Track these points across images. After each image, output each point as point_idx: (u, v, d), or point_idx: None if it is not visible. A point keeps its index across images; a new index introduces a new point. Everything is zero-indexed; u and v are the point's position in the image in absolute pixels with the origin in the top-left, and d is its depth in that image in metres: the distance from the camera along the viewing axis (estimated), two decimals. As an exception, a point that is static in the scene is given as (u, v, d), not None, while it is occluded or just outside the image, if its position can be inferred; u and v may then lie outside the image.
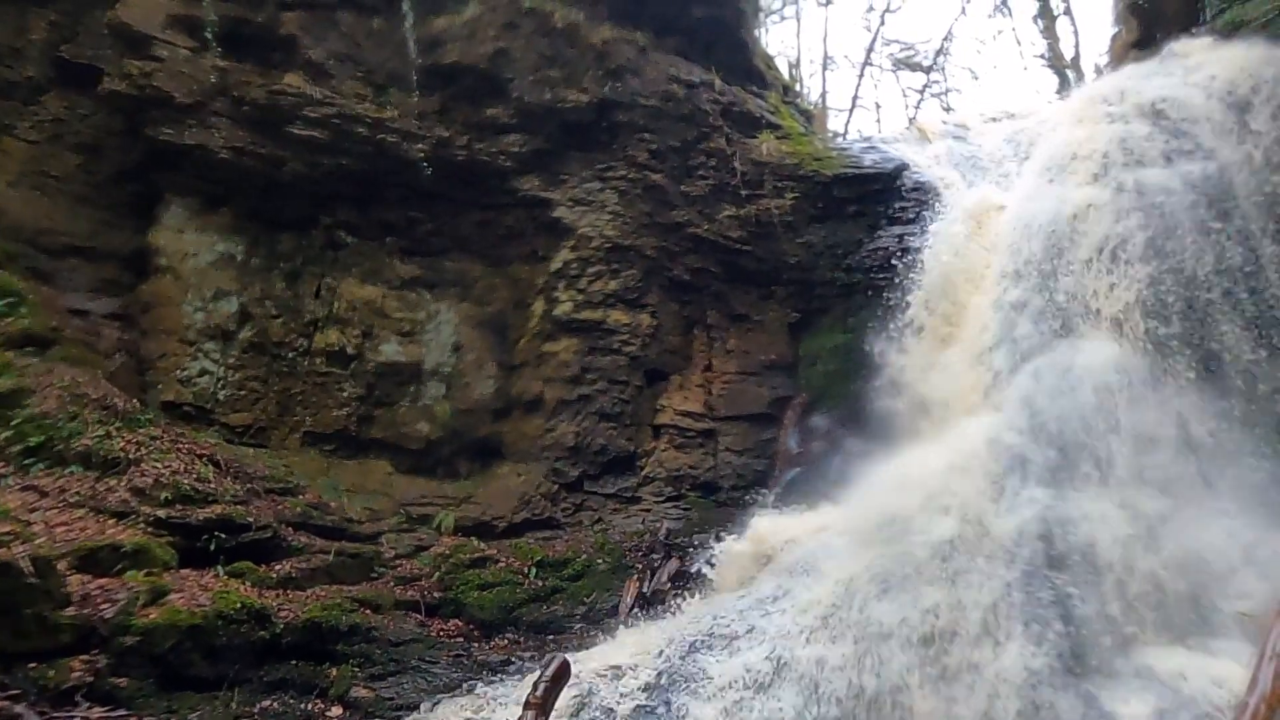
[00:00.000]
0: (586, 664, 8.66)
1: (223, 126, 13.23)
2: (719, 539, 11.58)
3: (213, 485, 10.98)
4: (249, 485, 11.70)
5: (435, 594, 11.80)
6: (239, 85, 13.18)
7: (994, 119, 17.88)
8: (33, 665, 7.72)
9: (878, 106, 42.83)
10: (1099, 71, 19.84)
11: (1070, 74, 27.93)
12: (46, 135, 13.00)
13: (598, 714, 7.97)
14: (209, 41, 13.00)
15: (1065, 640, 7.45)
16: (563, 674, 7.46)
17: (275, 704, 8.88)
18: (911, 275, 12.95)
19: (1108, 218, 10.92)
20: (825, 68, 32.34)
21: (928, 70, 33.15)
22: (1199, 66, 12.29)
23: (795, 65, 31.05)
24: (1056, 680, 7.17)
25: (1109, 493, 8.60)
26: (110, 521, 9.67)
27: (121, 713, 7.86)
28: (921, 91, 33.53)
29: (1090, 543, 8.09)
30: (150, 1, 12.97)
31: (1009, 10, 32.16)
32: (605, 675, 8.58)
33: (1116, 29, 17.28)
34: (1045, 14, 29.60)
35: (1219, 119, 11.39)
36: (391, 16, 13.79)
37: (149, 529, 9.84)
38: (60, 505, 9.51)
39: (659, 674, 8.41)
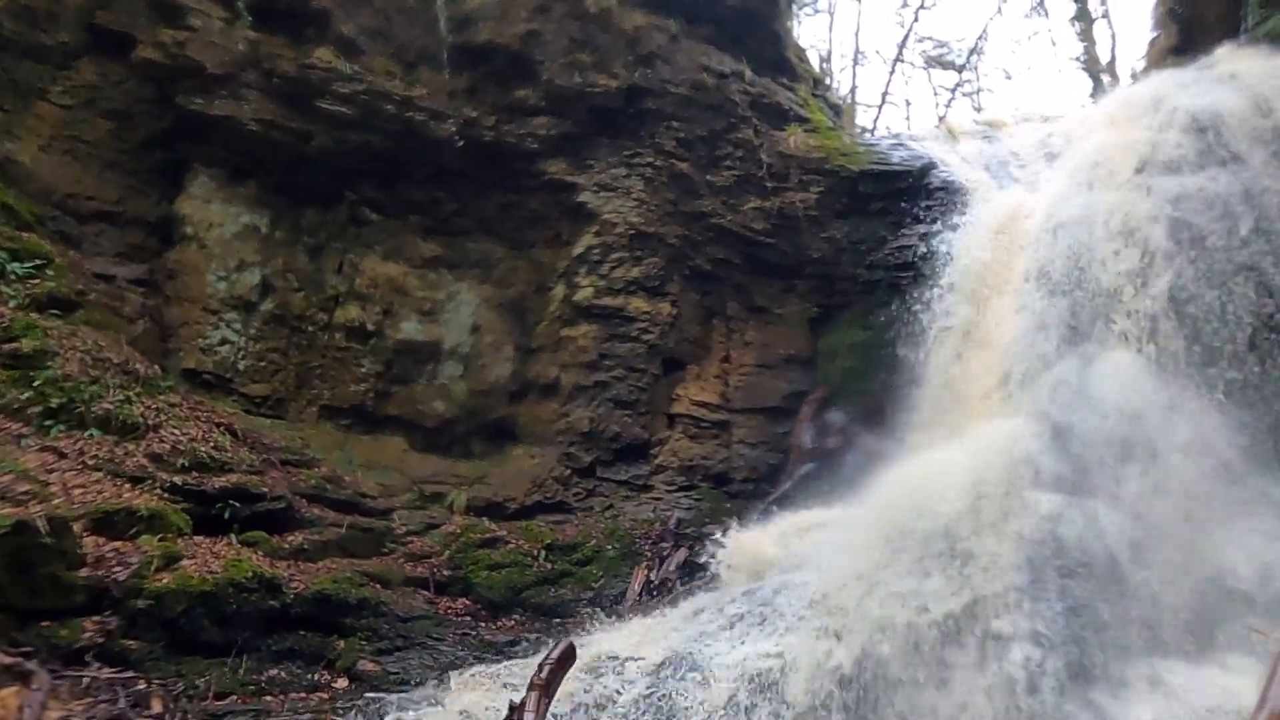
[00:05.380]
0: (592, 648, 8.67)
1: (252, 98, 13.27)
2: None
3: (229, 454, 11.05)
4: (265, 456, 11.77)
5: (445, 572, 11.86)
6: (270, 58, 13.20)
7: (1025, 120, 17.71)
8: (45, 624, 7.84)
9: (908, 104, 42.51)
10: (1135, 76, 19.59)
11: (1105, 78, 27.68)
12: (79, 101, 13.05)
13: (602, 699, 7.98)
14: (241, 12, 13.02)
15: (1073, 647, 7.40)
16: (568, 657, 7.46)
17: (283, 673, 8.96)
18: (935, 275, 12.86)
19: (1137, 225, 10.78)
20: (856, 63, 31.96)
21: (960, 69, 32.89)
22: (1237, 75, 12.10)
23: (826, 59, 30.99)
24: (1063, 687, 7.13)
25: (1125, 502, 8.52)
26: (127, 486, 9.74)
27: (130, 674, 7.96)
28: (953, 90, 33.29)
29: (1103, 551, 8.01)
30: (185, -30, 13.00)
31: (1045, 11, 31.89)
32: (610, 660, 8.61)
33: (1155, 34, 17.05)
34: (1083, 16, 29.30)
35: (1255, 129, 11.20)
36: (424, -7, 13.79)
37: (165, 495, 9.92)
38: (78, 467, 9.57)
39: (664, 661, 8.41)
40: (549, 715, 6.95)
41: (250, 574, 9.27)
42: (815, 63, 24.78)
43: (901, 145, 15.74)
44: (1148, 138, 11.71)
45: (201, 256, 13.65)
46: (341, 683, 9.12)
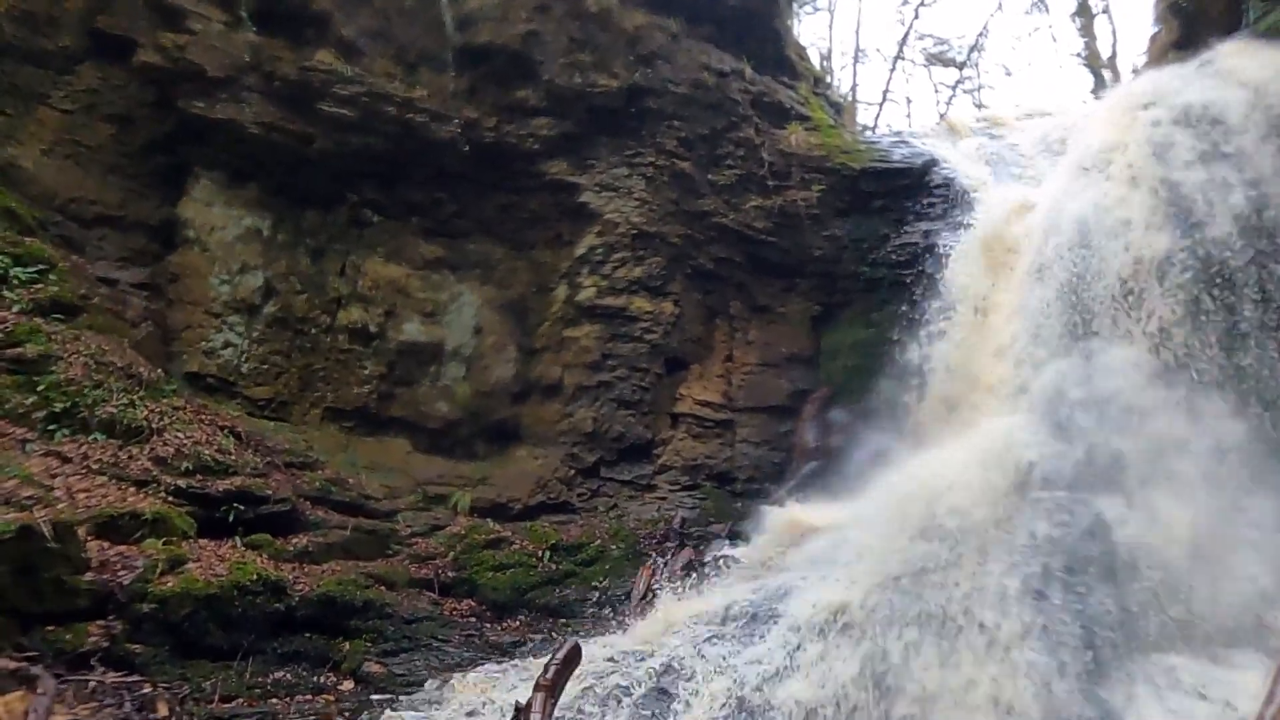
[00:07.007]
0: (597, 649, 8.66)
1: (253, 101, 13.26)
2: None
3: (233, 457, 11.05)
4: (269, 458, 11.77)
5: (449, 573, 11.86)
6: (270, 60, 13.19)
7: (1026, 116, 17.69)
8: (50, 628, 7.82)
9: (909, 101, 42.55)
10: (1136, 72, 19.55)
11: (1106, 74, 27.62)
12: (80, 105, 13.05)
13: (607, 698, 7.97)
14: (243, 16, 13.02)
15: (1081, 645, 7.38)
16: (573, 657, 7.45)
17: (288, 675, 8.97)
18: (937, 272, 12.84)
19: (1139, 219, 10.76)
20: (857, 60, 31.93)
21: (961, 66, 32.86)
22: (1238, 70, 12.05)
23: (827, 57, 30.96)
24: (1071, 685, 7.11)
25: (1132, 498, 8.50)
26: (131, 489, 9.74)
27: (136, 678, 7.95)
28: (954, 87, 33.27)
29: (1110, 548, 8.00)
30: (185, -26, 13.00)
31: (1046, 7, 31.84)
32: (615, 660, 8.59)
33: (1156, 29, 16.98)
34: (1083, 12, 29.26)
35: (1256, 124, 11.16)
36: (425, -5, 13.79)
37: (169, 498, 9.93)
38: (82, 472, 9.56)
39: (669, 660, 8.40)
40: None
41: (255, 577, 9.27)
42: (816, 61, 24.75)
43: (903, 143, 15.77)
44: (1149, 133, 11.68)
45: (204, 260, 13.64)
46: (347, 685, 9.12)
